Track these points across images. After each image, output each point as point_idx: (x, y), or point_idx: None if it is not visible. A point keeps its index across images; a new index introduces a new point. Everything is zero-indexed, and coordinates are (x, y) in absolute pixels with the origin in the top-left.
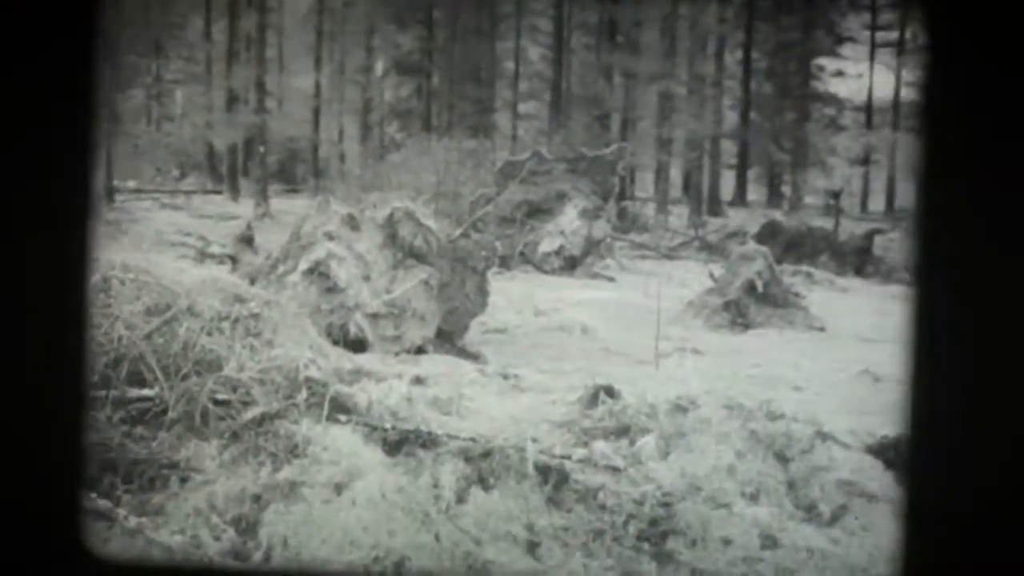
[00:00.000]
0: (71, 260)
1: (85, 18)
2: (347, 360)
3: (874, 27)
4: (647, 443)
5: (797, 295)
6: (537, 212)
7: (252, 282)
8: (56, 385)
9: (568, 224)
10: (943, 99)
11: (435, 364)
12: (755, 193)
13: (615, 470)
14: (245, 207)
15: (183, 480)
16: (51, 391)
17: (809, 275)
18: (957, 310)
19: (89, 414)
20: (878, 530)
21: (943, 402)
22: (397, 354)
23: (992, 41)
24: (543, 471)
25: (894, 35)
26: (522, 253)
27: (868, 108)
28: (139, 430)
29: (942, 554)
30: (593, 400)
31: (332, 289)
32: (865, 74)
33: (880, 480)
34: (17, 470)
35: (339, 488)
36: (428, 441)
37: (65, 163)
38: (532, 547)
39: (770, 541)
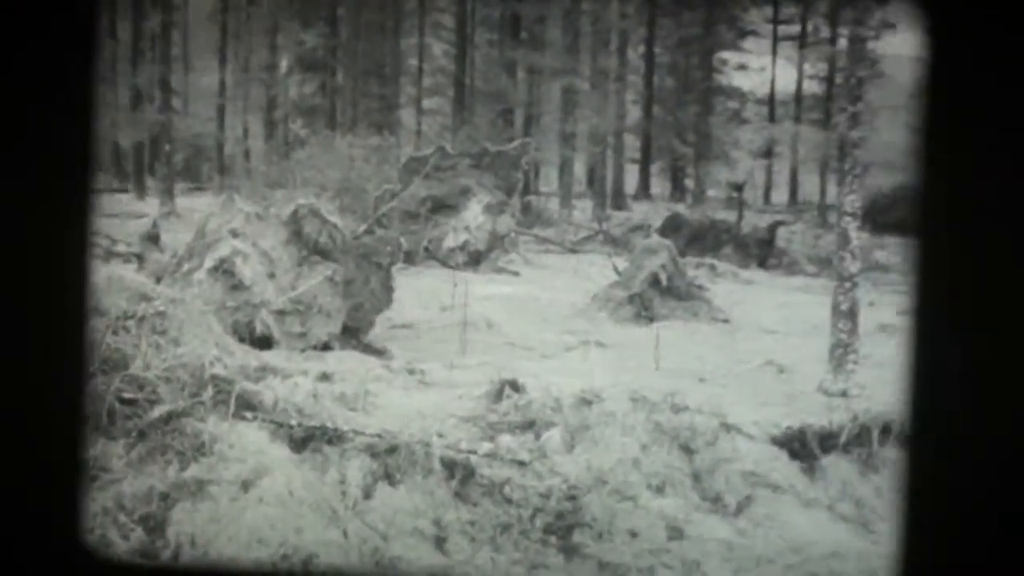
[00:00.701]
0: (70, 260)
1: (83, 18)
2: (253, 357)
3: (776, 21)
4: (552, 437)
5: (701, 287)
6: (441, 207)
7: (158, 280)
8: (55, 385)
9: (472, 219)
10: (943, 97)
11: (341, 360)
12: (658, 187)
13: (521, 464)
14: (151, 205)
15: (91, 479)
16: (50, 391)
17: (713, 267)
18: (958, 310)
19: (89, 414)
20: (782, 520)
21: (943, 402)
22: (303, 351)
23: (992, 41)
24: (449, 466)
25: (796, 28)
26: (427, 248)
27: (771, 101)
28: None
29: (942, 554)
30: (498, 395)
31: (237, 286)
32: (767, 67)
33: (784, 471)
34: (17, 470)
35: (246, 486)
36: (334, 437)
37: (64, 163)
38: (439, 542)
39: (676, 533)
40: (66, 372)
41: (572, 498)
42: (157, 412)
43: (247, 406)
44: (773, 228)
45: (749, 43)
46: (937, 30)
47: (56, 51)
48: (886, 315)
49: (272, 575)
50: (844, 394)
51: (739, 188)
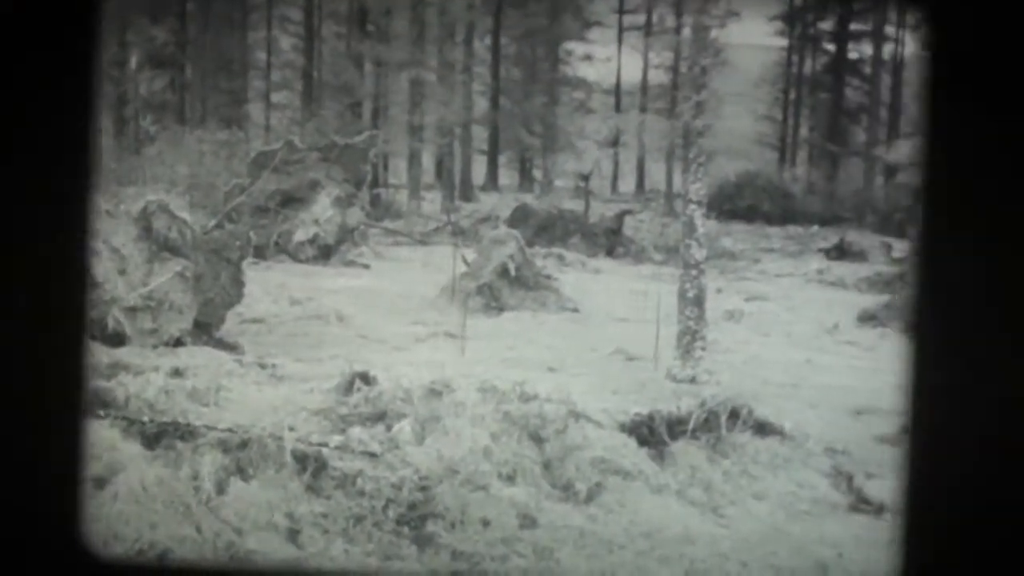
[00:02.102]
0: (68, 261)
1: (83, 19)
2: (105, 354)
3: (621, 11)
4: (403, 428)
5: (549, 277)
6: (291, 201)
7: None
8: (55, 385)
9: (322, 212)
10: (944, 96)
11: (193, 356)
12: (506, 177)
13: (372, 456)
14: None
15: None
16: (50, 391)
17: (561, 257)
18: (958, 311)
19: (89, 414)
20: (633, 507)
21: (943, 402)
22: (155, 347)
23: (993, 40)
24: (301, 459)
25: (641, 18)
26: (277, 243)
27: (617, 91)
28: None
29: (941, 554)
30: (349, 387)
31: None
32: (613, 57)
33: (634, 457)
34: (17, 470)
35: (100, 482)
36: (186, 433)
37: (64, 164)
38: (293, 535)
39: (528, 521)
40: (65, 372)
41: (424, 489)
42: None
43: (100, 403)
44: (620, 217)
45: (595, 33)
46: (937, 29)
47: (54, 52)
48: (734, 301)
49: (272, 575)
50: (692, 380)
51: (586, 178)
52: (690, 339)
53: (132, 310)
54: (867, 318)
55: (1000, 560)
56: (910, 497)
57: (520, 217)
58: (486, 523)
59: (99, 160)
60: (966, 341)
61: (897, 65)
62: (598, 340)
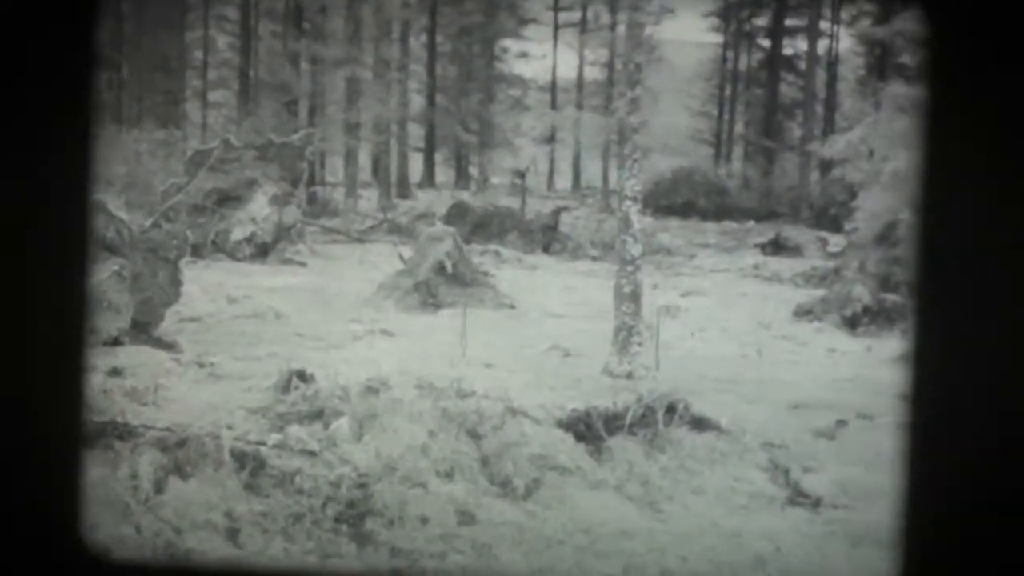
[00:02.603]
0: (69, 261)
1: (83, 20)
2: None
3: (556, 8)
4: (341, 426)
5: (486, 274)
6: (227, 200)
7: None
8: (55, 385)
9: (259, 211)
10: (944, 95)
11: (131, 355)
12: (443, 175)
13: (311, 454)
14: None
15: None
16: (50, 391)
17: (498, 254)
18: (959, 310)
19: (89, 414)
20: (571, 502)
21: (943, 402)
22: (93, 346)
23: (993, 37)
24: (240, 458)
25: (576, 15)
26: (214, 241)
27: (552, 88)
28: None
29: (941, 555)
30: (287, 385)
31: None
32: (549, 55)
33: (571, 453)
34: (17, 470)
35: None
36: (125, 432)
37: (63, 166)
38: (232, 534)
39: (467, 517)
40: (65, 372)
41: (362, 486)
42: None
43: None
44: (556, 214)
45: (530, 31)
46: (937, 27)
47: (54, 54)
48: (670, 296)
49: (272, 575)
50: (629, 376)
51: (522, 175)
52: (626, 335)
53: None
54: (803, 313)
55: (1000, 560)
56: (910, 497)
57: (457, 214)
58: (424, 520)
59: (98, 157)
60: (966, 342)
61: (832, 60)
62: (535, 336)
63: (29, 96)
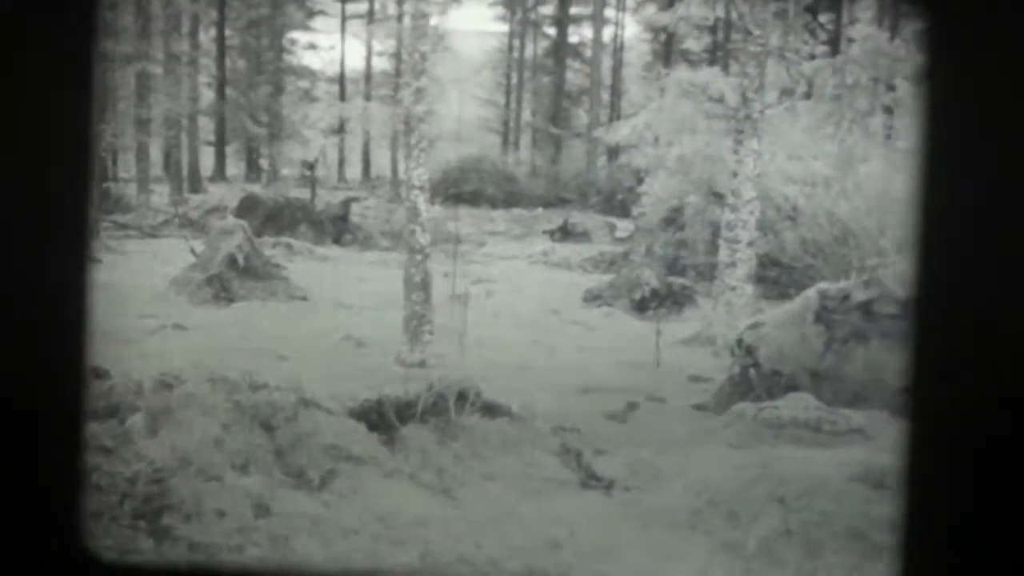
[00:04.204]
0: (70, 259)
1: (83, 17)
2: None
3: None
4: (136, 421)
5: (278, 266)
6: None
7: None
8: (55, 385)
9: None
10: (943, 87)
11: None
12: (234, 168)
13: (107, 451)
14: None
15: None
16: (50, 391)
17: (289, 246)
18: (959, 310)
19: (89, 415)
20: (366, 492)
21: (944, 403)
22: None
23: (992, 30)
24: None
25: (363, 7)
26: None
27: (341, 79)
28: None
29: (941, 554)
30: None
31: None
32: (337, 46)
33: (365, 443)
34: (17, 470)
35: None
36: None
37: (64, 162)
38: None
39: (263, 510)
40: (65, 373)
41: (159, 481)
42: None
43: None
44: (346, 204)
45: (318, 22)
46: (937, 26)
47: (54, 49)
48: (460, 285)
49: (272, 575)
50: (421, 364)
51: (311, 166)
52: (417, 323)
53: None
54: (592, 298)
55: (1000, 560)
56: (910, 500)
57: (248, 207)
58: (221, 514)
59: (97, 153)
60: (966, 342)
61: (617, 48)
62: (327, 327)
63: (28, 88)
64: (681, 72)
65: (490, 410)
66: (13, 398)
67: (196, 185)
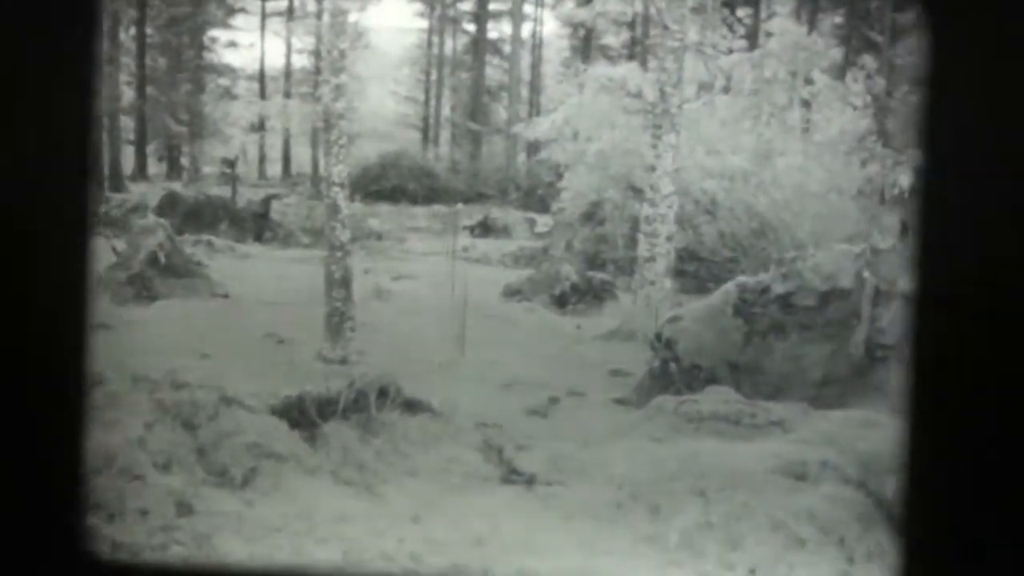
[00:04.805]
0: (70, 257)
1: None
2: None
3: None
4: None
5: (199, 264)
6: None
7: None
8: (56, 385)
9: None
10: (942, 84)
11: None
12: (155, 166)
13: None
14: None
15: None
16: (51, 391)
17: (210, 244)
18: (959, 309)
19: (89, 414)
20: (288, 489)
21: (944, 404)
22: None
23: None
24: None
25: (284, 4)
26: None
27: (261, 77)
28: None
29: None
30: None
31: None
32: (257, 44)
33: (287, 440)
34: (17, 470)
35: None
36: None
37: (63, 156)
38: None
39: (185, 508)
40: (66, 371)
41: None
42: None
43: None
44: (267, 201)
45: (239, 20)
46: (937, 25)
47: (54, 45)
48: (381, 281)
49: (272, 575)
50: (343, 361)
51: (232, 164)
52: (339, 320)
53: None
54: (511, 293)
55: (1000, 560)
56: (910, 497)
57: (168, 205)
58: (144, 512)
59: (98, 150)
60: (965, 343)
61: (536, 44)
62: (249, 325)
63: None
64: (600, 68)
65: (411, 406)
66: (13, 397)
67: (117, 184)
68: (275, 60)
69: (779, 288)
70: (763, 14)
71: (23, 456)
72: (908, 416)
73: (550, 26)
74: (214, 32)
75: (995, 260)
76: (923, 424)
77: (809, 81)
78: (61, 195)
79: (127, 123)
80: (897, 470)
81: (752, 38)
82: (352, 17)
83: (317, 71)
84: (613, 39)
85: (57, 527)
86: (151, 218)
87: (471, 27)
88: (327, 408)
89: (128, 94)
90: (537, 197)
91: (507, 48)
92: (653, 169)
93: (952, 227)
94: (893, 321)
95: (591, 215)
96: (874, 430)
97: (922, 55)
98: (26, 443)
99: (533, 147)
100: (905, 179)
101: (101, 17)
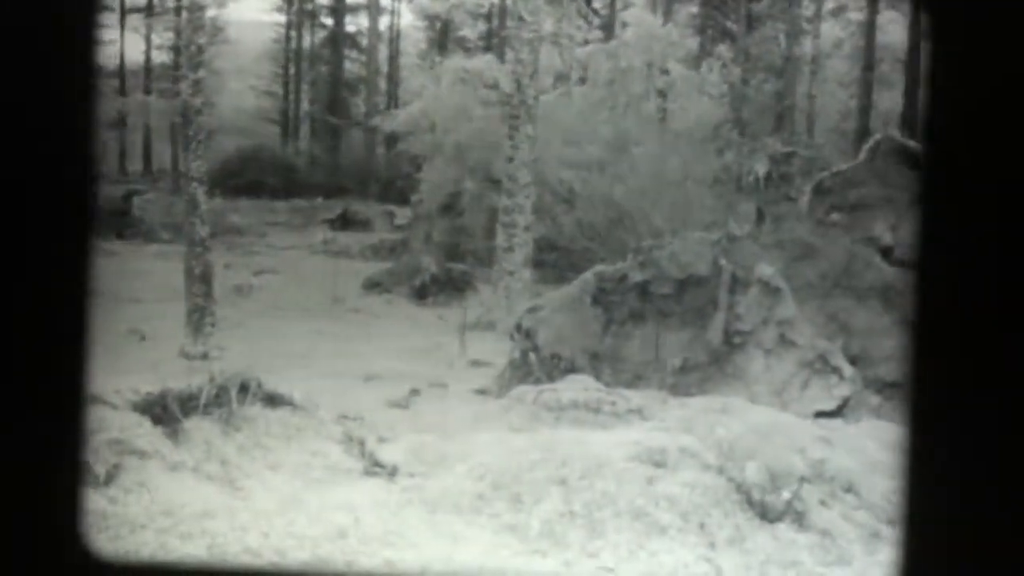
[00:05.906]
0: (71, 256)
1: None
2: None
3: None
4: None
5: None
6: None
7: None
8: (56, 385)
9: None
10: (943, 90)
11: None
12: None
13: None
14: None
15: None
16: (51, 390)
17: None
18: (958, 309)
19: (90, 413)
20: (152, 486)
21: (943, 405)
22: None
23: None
24: None
25: (143, 0)
26: None
27: (121, 73)
28: None
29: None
30: None
31: None
32: (116, 40)
33: (149, 436)
34: (17, 470)
35: None
36: None
37: (64, 157)
38: None
39: None
40: (66, 371)
41: None
42: None
43: None
44: (128, 197)
45: (102, 17)
46: (938, 25)
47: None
48: (242, 276)
49: (272, 575)
50: (204, 356)
51: None
52: (199, 316)
53: None
54: (372, 285)
55: (1000, 560)
56: (911, 501)
57: None
58: None
59: (100, 151)
60: (965, 343)
61: (394, 37)
62: (112, 321)
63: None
64: (456, 60)
65: (272, 400)
66: (13, 397)
67: None
68: (134, 56)
69: (637, 276)
70: (619, 5)
71: (23, 456)
72: (908, 416)
73: (407, 18)
74: None
75: (995, 259)
76: (923, 424)
77: (665, 71)
78: (61, 198)
79: None
80: (897, 471)
81: (608, 29)
82: (211, 12)
83: (176, 67)
84: (470, 31)
85: (57, 527)
86: None
87: (329, 21)
88: (189, 404)
89: None
90: (396, 189)
91: (365, 41)
92: (510, 160)
93: (952, 227)
94: (750, 308)
95: (450, 206)
96: (732, 416)
97: (922, 55)
98: (26, 443)
99: (392, 139)
100: (761, 167)
101: (101, 18)
